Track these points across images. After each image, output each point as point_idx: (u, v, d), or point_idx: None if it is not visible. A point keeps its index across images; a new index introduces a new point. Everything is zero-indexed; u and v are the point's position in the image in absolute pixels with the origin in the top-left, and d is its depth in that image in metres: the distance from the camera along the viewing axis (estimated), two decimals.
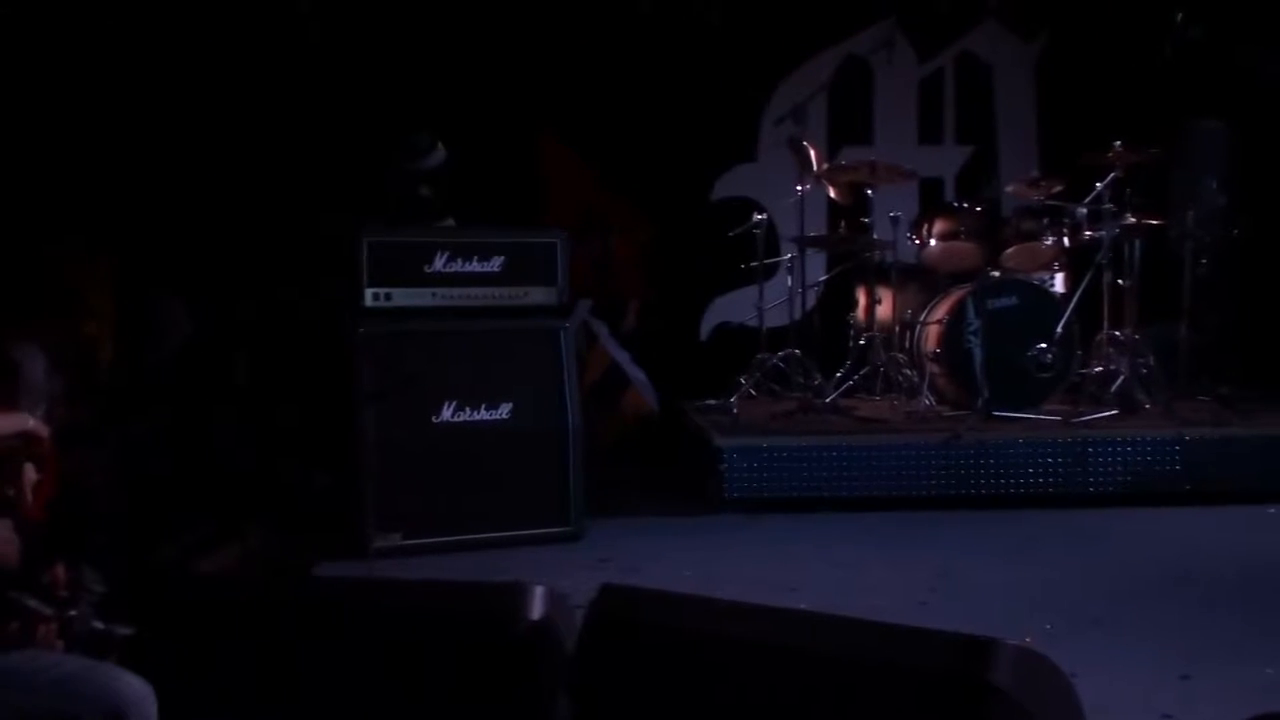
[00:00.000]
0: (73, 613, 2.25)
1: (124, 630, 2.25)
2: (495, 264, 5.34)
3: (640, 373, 7.60)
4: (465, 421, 5.19)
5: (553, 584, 2.25)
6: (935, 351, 6.73)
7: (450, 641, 2.11)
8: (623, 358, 7.33)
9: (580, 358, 6.69)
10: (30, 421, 2.55)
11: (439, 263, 5.26)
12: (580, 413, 5.40)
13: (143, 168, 6.45)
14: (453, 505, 5.13)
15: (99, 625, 2.26)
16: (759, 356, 7.19)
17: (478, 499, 5.16)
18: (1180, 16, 6.57)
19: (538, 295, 5.41)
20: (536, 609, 2.07)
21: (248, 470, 6.06)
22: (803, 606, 4.01)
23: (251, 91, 7.13)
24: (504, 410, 5.26)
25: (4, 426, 2.51)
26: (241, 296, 6.81)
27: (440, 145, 6.45)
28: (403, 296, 5.21)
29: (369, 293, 5.15)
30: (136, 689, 2.02)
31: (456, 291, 5.29)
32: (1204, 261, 7.01)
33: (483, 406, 5.23)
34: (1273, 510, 5.74)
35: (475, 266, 5.32)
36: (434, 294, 5.25)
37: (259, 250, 6.87)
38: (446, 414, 5.17)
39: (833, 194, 7.50)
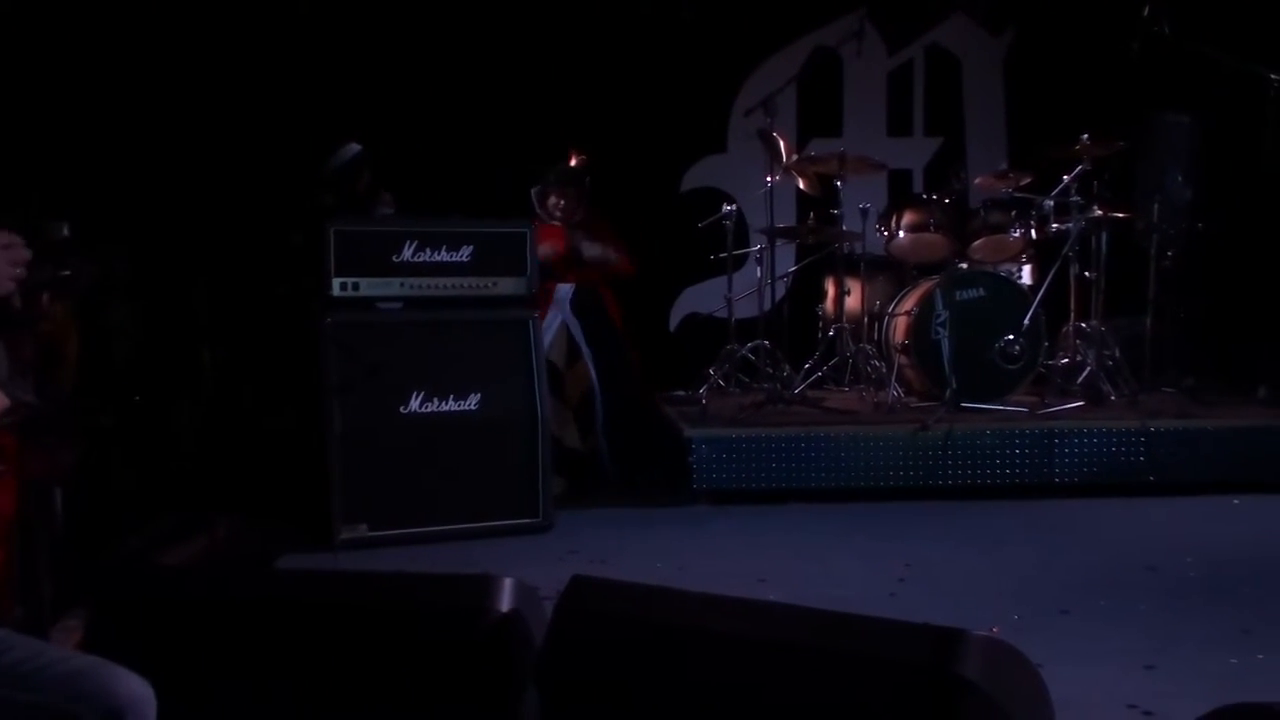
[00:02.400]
0: None
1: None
2: (464, 254, 5.31)
3: (599, 398, 6.62)
4: (433, 412, 5.17)
5: (522, 576, 2.24)
6: (903, 343, 6.75)
7: (418, 634, 2.10)
8: (595, 371, 6.75)
9: (557, 373, 6.40)
10: None
11: (407, 252, 5.23)
12: (549, 405, 5.38)
13: (99, 159, 6.38)
14: (420, 496, 5.10)
15: None
16: (728, 347, 7.19)
17: (446, 490, 5.14)
18: (1147, 11, 6.59)
19: (507, 285, 5.39)
20: (505, 601, 2.07)
21: (213, 462, 6.03)
22: (772, 598, 4.03)
23: (206, 84, 7.09)
24: (472, 401, 5.24)
25: None
26: (206, 286, 6.76)
27: (353, 144, 6.51)
28: (370, 286, 5.18)
29: (336, 282, 5.12)
30: (137, 689, 2.00)
31: (425, 281, 5.26)
32: (1170, 254, 7.05)
33: (451, 397, 5.21)
34: (1237, 501, 5.79)
35: (444, 256, 5.29)
36: (402, 284, 5.22)
37: (225, 241, 6.82)
38: (414, 404, 5.14)
39: (802, 185, 7.51)
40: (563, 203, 6.84)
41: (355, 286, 5.14)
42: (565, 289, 6.69)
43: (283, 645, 2.20)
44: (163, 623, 2.30)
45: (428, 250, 5.25)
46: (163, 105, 6.88)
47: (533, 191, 6.88)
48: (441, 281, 5.28)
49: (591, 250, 6.89)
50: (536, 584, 2.27)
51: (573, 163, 7.07)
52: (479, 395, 5.24)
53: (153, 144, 6.74)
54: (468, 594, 2.10)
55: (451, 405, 5.21)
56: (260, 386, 6.43)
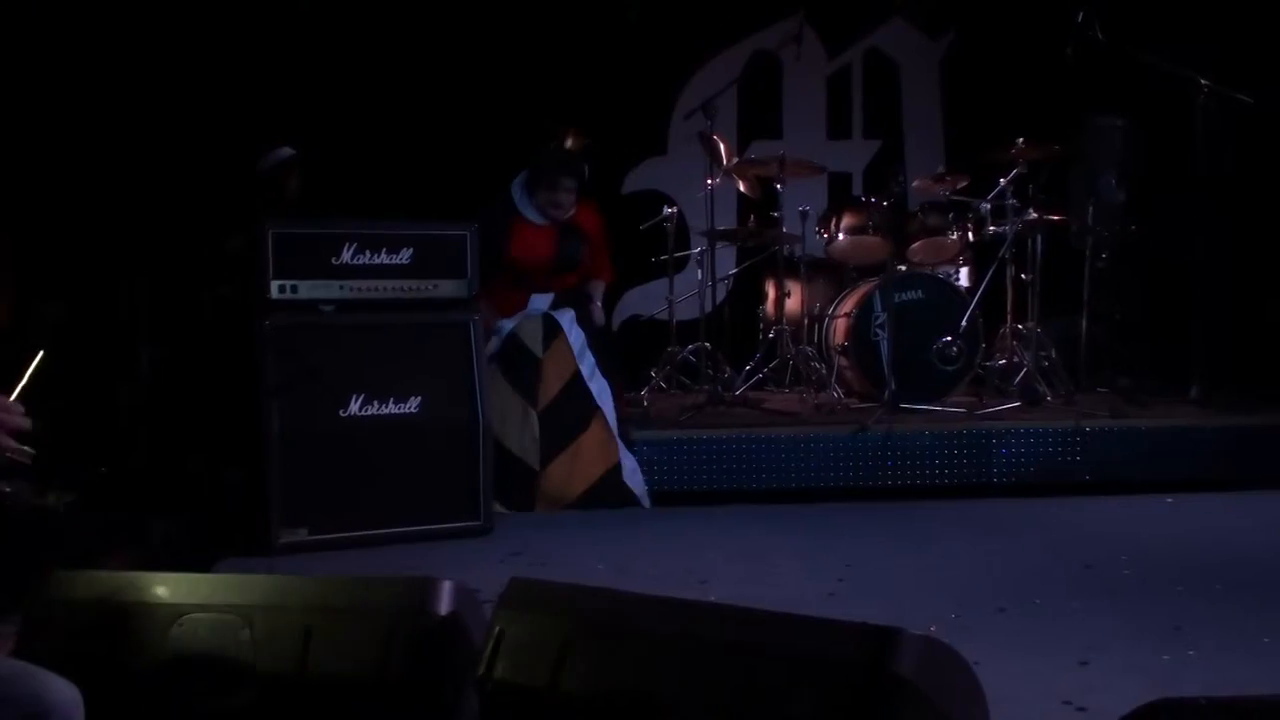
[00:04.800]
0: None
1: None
2: (404, 256, 5.28)
3: (607, 388, 5.99)
4: (373, 415, 5.14)
5: (462, 579, 2.24)
6: (843, 344, 6.80)
7: (356, 638, 2.09)
8: (588, 364, 5.95)
9: (532, 360, 5.80)
10: None
11: (347, 254, 5.19)
12: (491, 407, 5.35)
13: (35, 160, 6.32)
14: (361, 500, 5.07)
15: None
16: (669, 349, 7.22)
17: (387, 493, 5.11)
18: (1081, 17, 6.69)
19: (448, 288, 5.36)
20: (444, 604, 2.06)
21: (151, 465, 5.97)
22: (712, 598, 4.04)
23: (144, 83, 7.03)
24: (413, 404, 5.21)
25: None
26: (145, 286, 6.70)
27: (285, 147, 6.49)
28: (309, 289, 5.13)
29: (274, 285, 5.06)
30: (66, 694, 1.97)
31: (365, 284, 5.22)
32: (1104, 256, 7.15)
33: (391, 400, 5.18)
34: (1170, 500, 5.87)
35: (384, 259, 5.25)
36: (341, 286, 5.18)
37: (161, 241, 6.76)
38: (354, 408, 5.11)
39: (742, 188, 7.55)
40: (557, 197, 6.01)
41: (294, 289, 5.10)
42: (542, 301, 6.11)
43: (218, 649, 2.18)
44: (96, 628, 2.28)
45: (367, 252, 5.22)
46: (100, 104, 6.81)
47: (515, 183, 6.15)
48: (381, 284, 5.24)
49: (577, 254, 6.09)
50: (477, 586, 2.27)
51: (569, 144, 6.36)
52: (420, 398, 5.22)
53: (86, 144, 6.67)
54: (406, 596, 2.10)
55: (392, 408, 5.18)
56: (199, 388, 6.37)
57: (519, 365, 5.81)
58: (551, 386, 5.82)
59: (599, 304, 6.36)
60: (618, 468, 5.85)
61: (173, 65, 7.17)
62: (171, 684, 2.23)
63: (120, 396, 6.32)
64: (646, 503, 5.90)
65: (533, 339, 5.84)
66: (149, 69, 7.05)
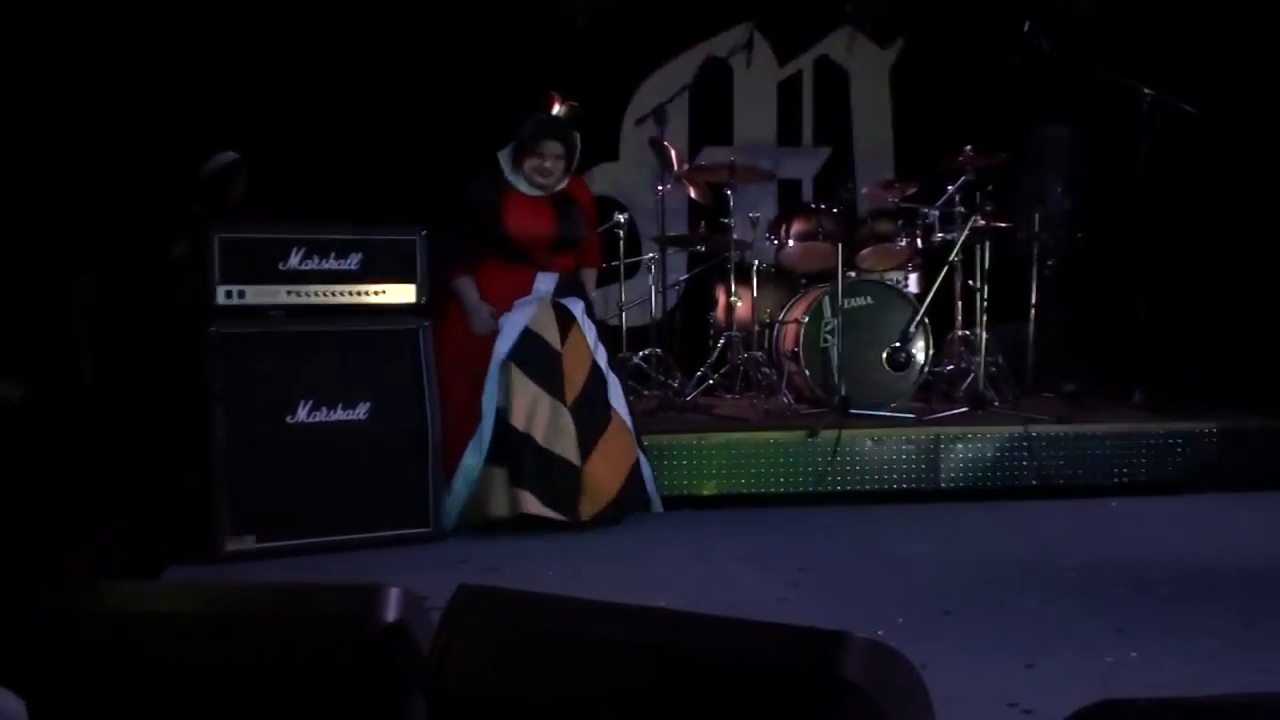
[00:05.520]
0: None
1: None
2: (353, 261, 5.25)
3: (618, 383, 5.74)
4: (321, 422, 5.10)
5: (412, 585, 2.22)
6: (793, 350, 6.83)
7: (301, 645, 2.07)
8: (602, 357, 5.69)
9: (552, 355, 5.44)
10: None
11: (294, 260, 5.15)
12: (440, 414, 5.32)
13: None
14: (308, 507, 5.03)
15: None
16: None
17: (334, 500, 5.08)
18: (1027, 27, 6.76)
19: (396, 293, 5.33)
20: (391, 611, 2.05)
21: (95, 471, 5.92)
22: (663, 604, 4.04)
23: (89, 85, 6.96)
24: (361, 410, 5.18)
25: None
26: (88, 292, 6.64)
27: (228, 152, 6.45)
28: (256, 294, 5.08)
29: (220, 290, 5.02)
30: (7, 705, 1.95)
31: (312, 289, 5.18)
32: (1050, 263, 7.23)
33: (339, 406, 5.14)
34: (1114, 504, 5.94)
35: (332, 264, 5.22)
36: (289, 291, 5.14)
37: (105, 245, 6.70)
38: (302, 414, 5.07)
39: (693, 194, 7.57)
40: (546, 164, 5.60)
41: (240, 295, 5.06)
42: (546, 281, 5.68)
43: (163, 658, 2.16)
44: (38, 635, 2.25)
45: (315, 257, 5.18)
46: (40, 106, 6.74)
47: (501, 154, 5.76)
48: (330, 289, 5.21)
49: (578, 230, 5.69)
50: (426, 593, 2.26)
51: (556, 110, 5.92)
52: (368, 404, 5.19)
53: (27, 147, 6.60)
54: (352, 604, 2.08)
55: (340, 414, 5.14)
56: (143, 394, 6.31)
57: (541, 361, 5.44)
58: (576, 379, 5.49)
59: (592, 295, 6.10)
60: (638, 466, 5.69)
61: (114, 69, 7.10)
62: (114, 694, 2.20)
63: (61, 401, 6.25)
64: (659, 506, 5.78)
65: (550, 332, 5.50)
66: (91, 73, 6.98)
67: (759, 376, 7.05)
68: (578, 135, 5.72)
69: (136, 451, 6.07)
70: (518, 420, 5.35)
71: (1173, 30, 7.77)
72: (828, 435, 6.12)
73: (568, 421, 5.38)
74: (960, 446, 6.20)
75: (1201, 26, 7.69)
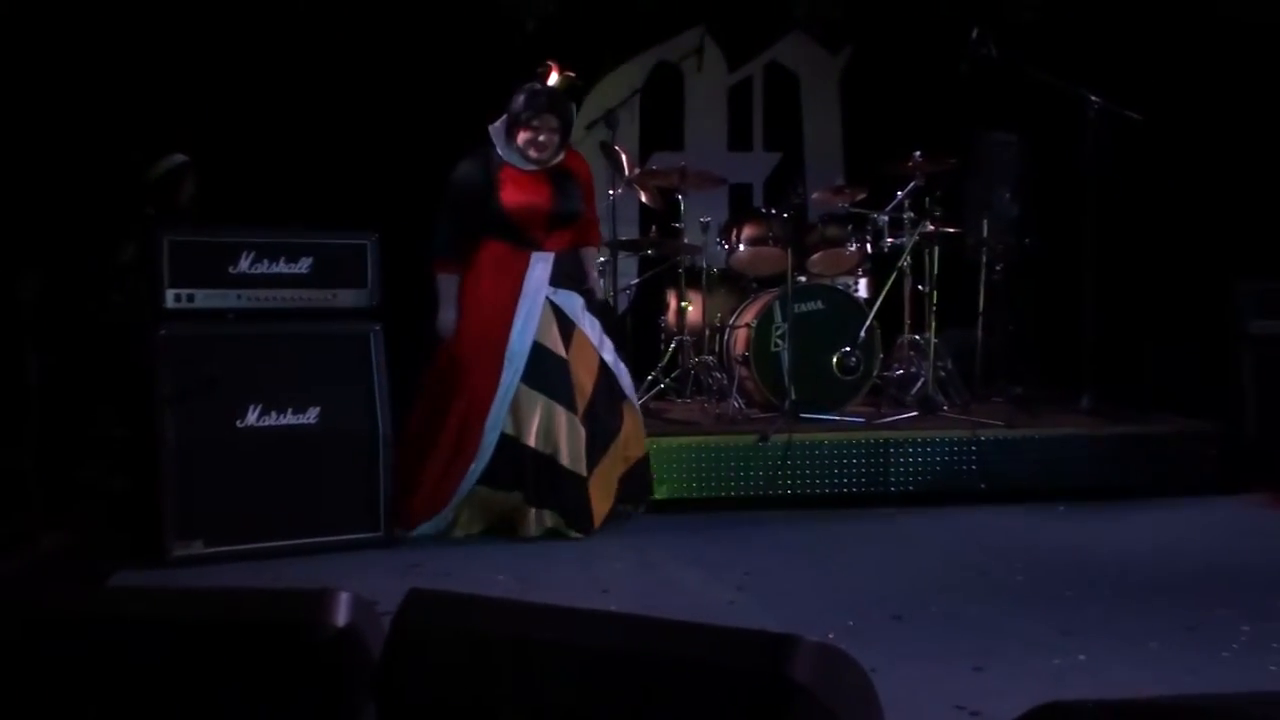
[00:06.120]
0: None
1: None
2: (303, 265, 5.22)
3: (627, 373, 5.74)
4: (271, 426, 5.07)
5: (362, 590, 2.22)
6: (743, 354, 6.85)
7: (250, 651, 2.06)
8: (609, 352, 5.60)
9: (558, 364, 5.36)
10: None
11: (244, 263, 5.12)
12: (391, 417, 5.30)
13: None
14: (258, 511, 5.00)
15: None
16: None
17: (285, 505, 5.05)
18: (975, 34, 6.82)
19: (347, 298, 5.31)
20: (341, 616, 2.04)
21: (40, 473, 5.84)
22: (613, 608, 4.05)
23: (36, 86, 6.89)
24: (312, 414, 5.15)
25: None
26: (34, 295, 6.55)
27: (177, 154, 6.40)
28: (206, 298, 5.06)
29: (170, 294, 4.98)
30: None
31: (263, 293, 5.15)
32: (998, 268, 7.29)
33: (290, 410, 5.11)
34: (1061, 508, 6.00)
35: (282, 268, 5.19)
36: (239, 295, 5.11)
37: (53, 245, 6.62)
38: (251, 418, 5.04)
39: (644, 198, 7.57)
40: (540, 137, 5.36)
41: (190, 298, 5.02)
42: (542, 262, 5.45)
43: (110, 665, 2.14)
44: None
45: (266, 261, 5.15)
46: None
47: (492, 128, 5.52)
48: (280, 294, 5.18)
49: (575, 204, 5.45)
50: (377, 598, 2.25)
51: (553, 81, 5.65)
52: (318, 408, 5.16)
53: None
54: (301, 609, 2.07)
55: (290, 419, 5.12)
56: (91, 397, 6.24)
57: (549, 373, 5.37)
58: (585, 386, 5.43)
59: (596, 275, 5.87)
60: (646, 459, 5.77)
61: (64, 69, 7.02)
62: (61, 700, 2.18)
63: (5, 400, 6.17)
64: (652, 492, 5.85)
65: (553, 341, 5.39)
66: (40, 72, 6.90)
67: (710, 381, 7.07)
68: (574, 107, 5.55)
69: (83, 454, 6.00)
70: (533, 439, 5.33)
71: (1115, 38, 7.86)
72: (778, 439, 6.14)
73: (579, 432, 5.35)
74: (910, 450, 6.24)
75: (1143, 34, 7.79)
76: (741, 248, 7.19)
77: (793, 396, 6.50)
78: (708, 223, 7.25)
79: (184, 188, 6.62)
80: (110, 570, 4.73)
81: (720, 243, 7.36)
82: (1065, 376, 7.19)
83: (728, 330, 7.16)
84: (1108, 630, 3.98)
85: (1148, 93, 7.10)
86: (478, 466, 5.36)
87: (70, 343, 6.37)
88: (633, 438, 5.65)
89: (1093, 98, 6.75)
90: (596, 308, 5.72)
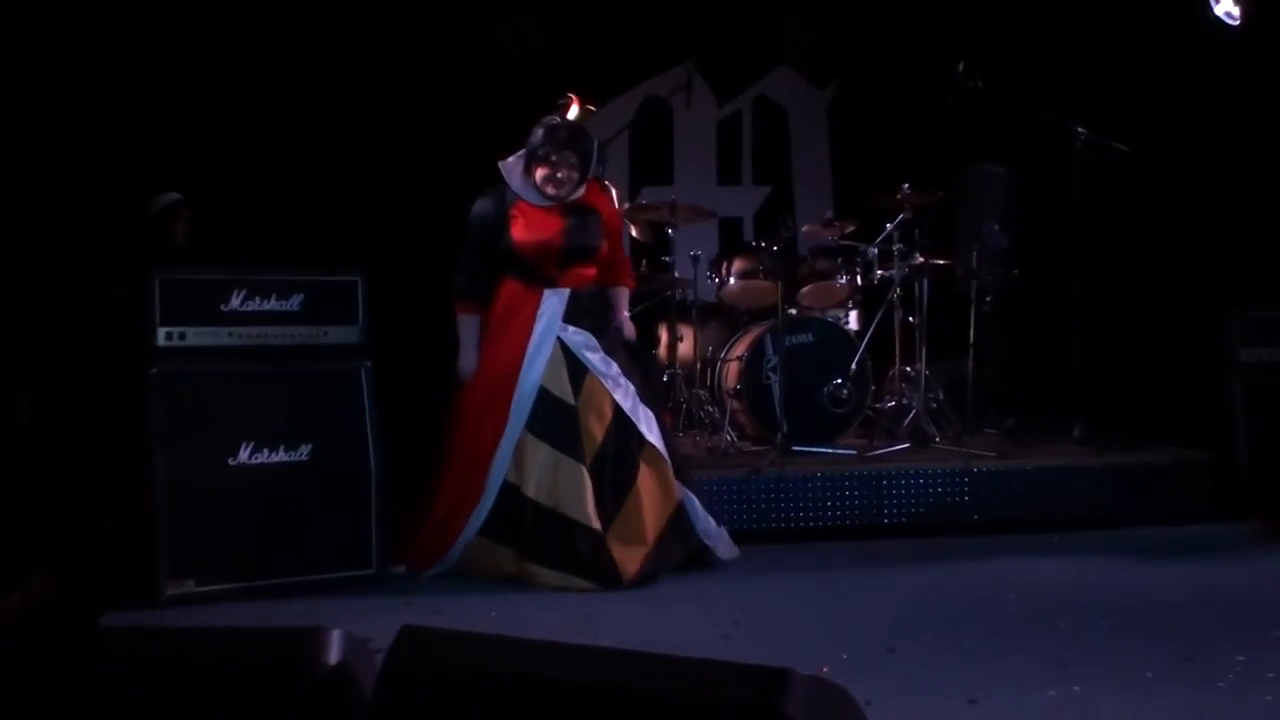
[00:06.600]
0: None
1: None
2: (294, 302, 5.22)
3: (652, 417, 5.36)
4: (263, 463, 5.06)
5: (354, 628, 2.21)
6: (735, 388, 6.85)
7: (243, 690, 2.05)
8: (627, 395, 5.29)
9: (567, 412, 5.14)
10: None
11: (235, 301, 5.12)
12: (381, 454, 5.28)
13: None
14: (250, 550, 4.99)
15: None
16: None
17: (276, 543, 5.03)
18: (961, 66, 6.86)
19: (338, 334, 5.31)
20: (333, 654, 2.03)
21: (31, 513, 5.82)
22: (605, 643, 4.03)
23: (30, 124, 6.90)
24: (304, 451, 5.14)
25: None
26: (28, 334, 6.55)
27: (171, 193, 6.42)
28: (197, 336, 5.05)
29: (161, 332, 4.98)
30: None
31: (254, 330, 5.15)
32: (988, 300, 7.31)
33: (281, 448, 5.11)
34: (1055, 538, 5.99)
35: (274, 305, 5.19)
36: (230, 333, 5.10)
37: (48, 289, 6.62)
38: (243, 456, 5.03)
39: (634, 233, 7.59)
40: (558, 174, 5.21)
41: (182, 336, 5.02)
42: (555, 298, 5.29)
43: (103, 707, 2.13)
44: None
45: (257, 299, 5.15)
46: None
47: (503, 164, 5.37)
48: (271, 331, 5.18)
49: (590, 239, 5.27)
50: (368, 636, 2.25)
51: (573, 114, 5.63)
52: (310, 446, 5.15)
53: None
54: (294, 647, 2.07)
55: (282, 456, 5.11)
56: (84, 436, 6.23)
57: (555, 421, 5.16)
58: (595, 434, 5.17)
59: (626, 315, 5.62)
60: (681, 509, 5.34)
61: (57, 109, 7.04)
62: None
63: None
64: (728, 550, 5.49)
65: (560, 387, 5.19)
66: (31, 113, 6.92)
67: (702, 414, 7.07)
68: (595, 140, 5.36)
69: (74, 493, 5.98)
70: (534, 490, 5.14)
71: (1101, 69, 7.92)
72: (771, 472, 6.14)
73: (585, 483, 5.07)
74: (902, 482, 6.23)
75: (1128, 65, 7.84)
76: (732, 281, 7.21)
77: (785, 429, 6.50)
78: (698, 256, 7.27)
79: (178, 226, 6.64)
80: (102, 611, 4.70)
81: (711, 276, 7.38)
82: (1057, 407, 7.20)
83: (719, 363, 7.17)
84: (1103, 661, 3.97)
85: (1134, 122, 7.15)
86: (480, 511, 5.22)
87: (61, 382, 6.37)
88: (656, 491, 5.26)
89: (1079, 129, 6.78)
90: (624, 348, 5.46)
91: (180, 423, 4.91)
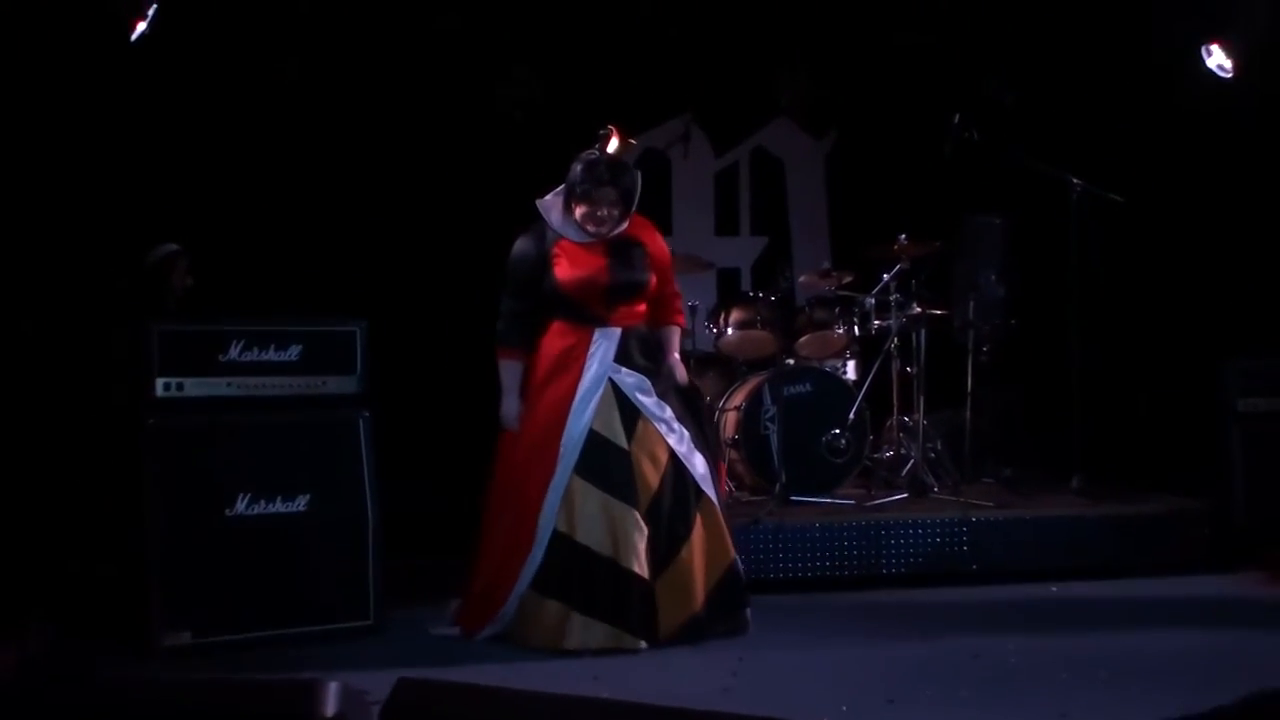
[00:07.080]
0: None
1: None
2: (293, 353, 5.23)
3: (707, 465, 5.09)
4: (260, 514, 5.05)
5: (349, 679, 2.20)
6: (733, 438, 6.85)
7: None
8: (682, 440, 5.02)
9: (619, 455, 4.88)
10: None
11: (234, 351, 5.12)
12: (380, 504, 5.27)
13: None
14: (247, 601, 4.97)
15: None
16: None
17: (273, 594, 5.01)
18: (957, 118, 6.91)
19: (336, 384, 5.31)
20: (330, 706, 2.03)
21: (28, 564, 5.80)
22: (605, 694, 4.01)
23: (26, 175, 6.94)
24: (301, 502, 5.14)
25: None
26: (24, 382, 6.55)
27: (169, 244, 6.45)
28: (195, 386, 5.05)
29: (159, 383, 4.98)
30: None
31: (252, 381, 5.15)
32: (985, 350, 7.33)
33: (279, 498, 5.10)
34: (1054, 588, 5.97)
35: (272, 355, 5.20)
36: (229, 384, 5.11)
37: (47, 339, 6.63)
38: (240, 506, 5.02)
39: None
40: (599, 211, 5.02)
41: (180, 387, 5.02)
42: (606, 339, 5.03)
43: None
44: None
45: (255, 349, 5.16)
46: None
47: (542, 202, 5.22)
48: (270, 381, 5.18)
49: (637, 275, 5.05)
50: (366, 688, 2.24)
51: (612, 148, 5.49)
52: (308, 496, 5.15)
53: None
54: (291, 700, 2.06)
55: (279, 507, 5.10)
56: (79, 486, 6.22)
57: (607, 465, 4.89)
58: (650, 479, 4.90)
59: (677, 357, 5.30)
60: (735, 569, 5.09)
61: (56, 159, 7.07)
62: None
63: None
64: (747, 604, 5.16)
65: (612, 430, 4.92)
66: (32, 163, 6.95)
67: None
68: (637, 175, 5.12)
69: (71, 544, 5.96)
70: (588, 538, 4.84)
71: (1096, 121, 7.97)
72: (769, 523, 6.13)
73: (640, 531, 4.83)
74: (901, 532, 6.22)
75: (1123, 116, 7.89)
76: (730, 331, 7.23)
77: (783, 479, 6.50)
78: (696, 306, 7.29)
79: (175, 276, 6.66)
80: (98, 662, 4.68)
81: (709, 326, 7.40)
82: (1054, 456, 7.20)
83: (717, 414, 7.17)
84: (1103, 712, 3.95)
85: (1130, 173, 7.19)
86: (531, 563, 4.89)
87: (58, 433, 6.36)
88: (711, 540, 5.03)
89: (1075, 180, 6.83)
90: (678, 390, 5.18)
91: (177, 474, 4.90)
